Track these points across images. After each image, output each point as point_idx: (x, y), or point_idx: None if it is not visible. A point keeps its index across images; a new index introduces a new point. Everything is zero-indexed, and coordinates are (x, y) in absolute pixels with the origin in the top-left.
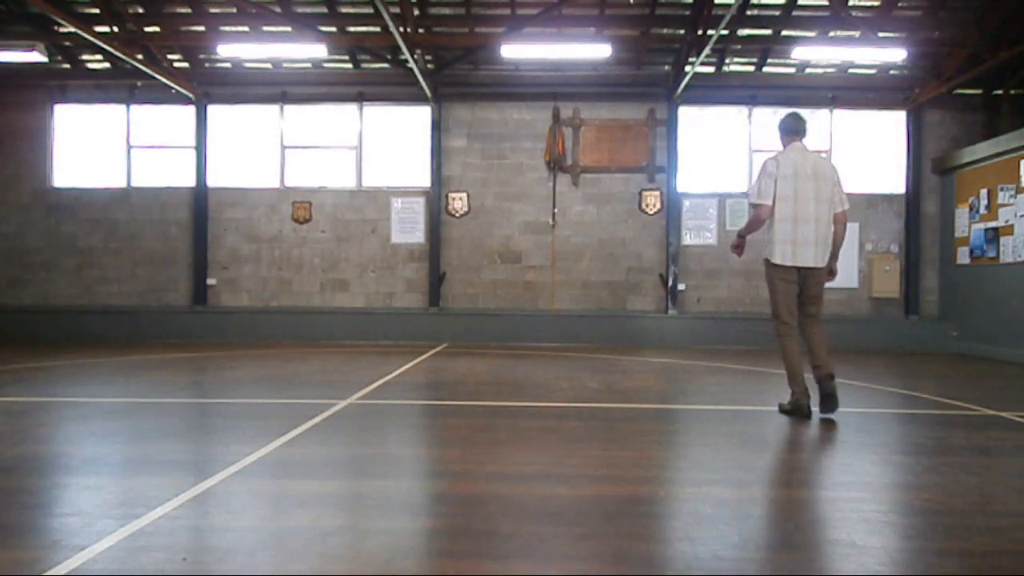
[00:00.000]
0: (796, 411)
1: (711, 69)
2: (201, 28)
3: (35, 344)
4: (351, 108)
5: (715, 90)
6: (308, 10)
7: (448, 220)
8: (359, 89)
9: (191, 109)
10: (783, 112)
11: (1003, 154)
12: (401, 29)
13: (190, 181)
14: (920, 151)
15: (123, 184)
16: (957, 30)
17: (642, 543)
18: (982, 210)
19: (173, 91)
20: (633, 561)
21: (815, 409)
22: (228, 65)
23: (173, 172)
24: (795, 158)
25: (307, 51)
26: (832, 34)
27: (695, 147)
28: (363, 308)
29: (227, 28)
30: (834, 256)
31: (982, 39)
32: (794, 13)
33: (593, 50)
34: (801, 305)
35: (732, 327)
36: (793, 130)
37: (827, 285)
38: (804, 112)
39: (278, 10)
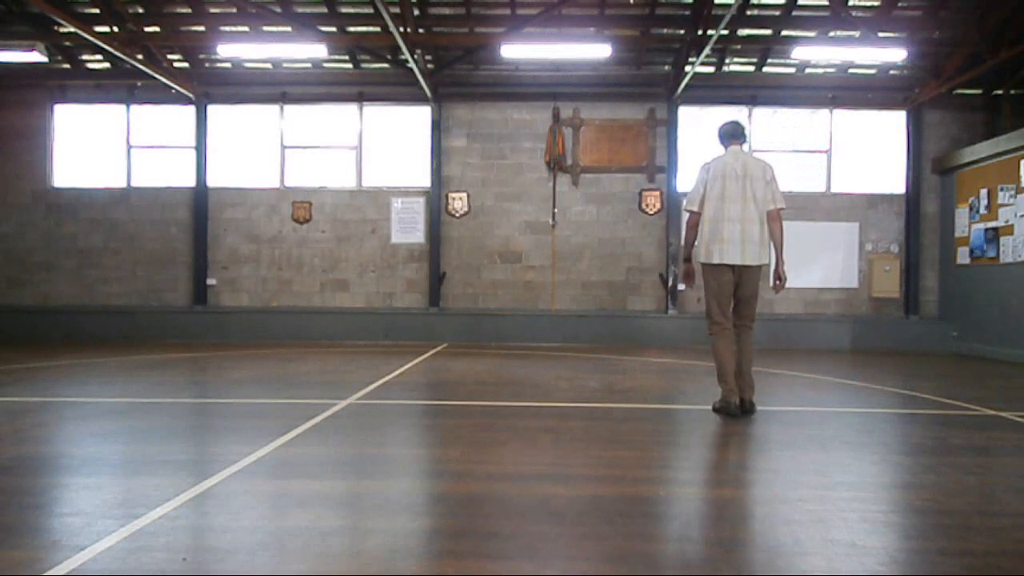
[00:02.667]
0: (724, 409)
1: (711, 69)
2: (201, 28)
3: (35, 344)
4: (351, 108)
5: (715, 90)
6: (308, 10)
7: (448, 220)
8: (359, 89)
9: (191, 109)
10: (783, 112)
11: (1003, 154)
12: (401, 29)
13: (190, 181)
14: (920, 151)
15: (123, 184)
16: (957, 30)
17: (642, 543)
18: (982, 210)
19: (173, 91)
20: (633, 561)
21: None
22: (228, 65)
23: (173, 172)
24: (727, 160)
25: (307, 51)
26: (832, 34)
27: (695, 147)
28: (363, 308)
29: (227, 28)
30: (779, 259)
31: (982, 39)
32: (794, 13)
33: (593, 50)
34: (736, 307)
35: None
36: (732, 134)
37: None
38: (804, 112)
39: (278, 10)
